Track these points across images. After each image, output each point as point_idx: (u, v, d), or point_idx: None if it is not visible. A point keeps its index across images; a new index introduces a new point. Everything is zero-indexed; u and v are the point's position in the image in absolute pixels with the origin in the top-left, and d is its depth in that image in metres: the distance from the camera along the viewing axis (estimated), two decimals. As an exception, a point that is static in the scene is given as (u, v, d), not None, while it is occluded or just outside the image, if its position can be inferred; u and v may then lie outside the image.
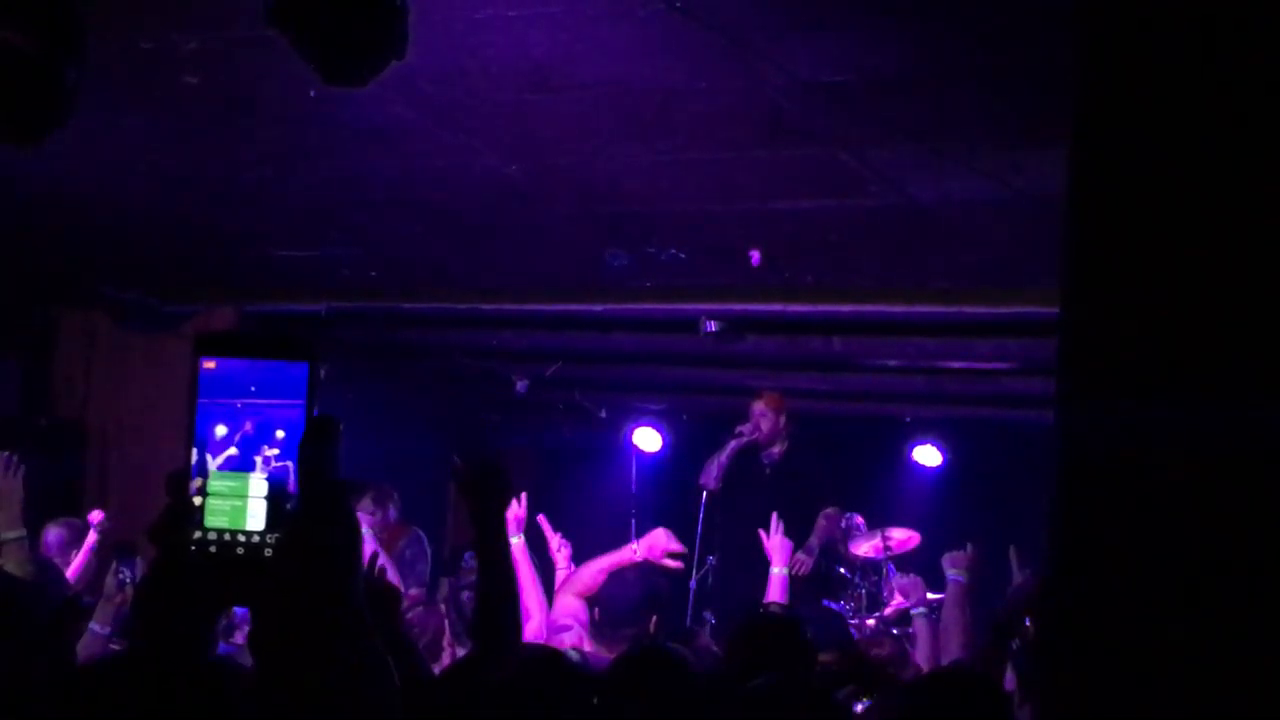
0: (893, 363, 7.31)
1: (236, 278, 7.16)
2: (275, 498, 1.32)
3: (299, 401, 1.35)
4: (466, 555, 7.69)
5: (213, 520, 1.33)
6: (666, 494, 8.52)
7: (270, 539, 1.31)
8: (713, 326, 6.72)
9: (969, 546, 5.01)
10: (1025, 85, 3.72)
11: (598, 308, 6.86)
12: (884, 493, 8.54)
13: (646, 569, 4.88)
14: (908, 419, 8.42)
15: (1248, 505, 0.97)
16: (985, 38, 3.50)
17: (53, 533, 5.70)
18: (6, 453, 4.55)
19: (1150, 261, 1.01)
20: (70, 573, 5.40)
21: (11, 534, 4.58)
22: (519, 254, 6.34)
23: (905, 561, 7.23)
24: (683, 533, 7.12)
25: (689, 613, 7.08)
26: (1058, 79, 1.83)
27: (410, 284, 7.06)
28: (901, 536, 7.45)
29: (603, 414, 9.09)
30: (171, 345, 7.38)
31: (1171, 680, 0.99)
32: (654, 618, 4.42)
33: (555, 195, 5.25)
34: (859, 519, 7.53)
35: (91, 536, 5.62)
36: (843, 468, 7.41)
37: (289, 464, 1.32)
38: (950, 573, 4.94)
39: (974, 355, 6.86)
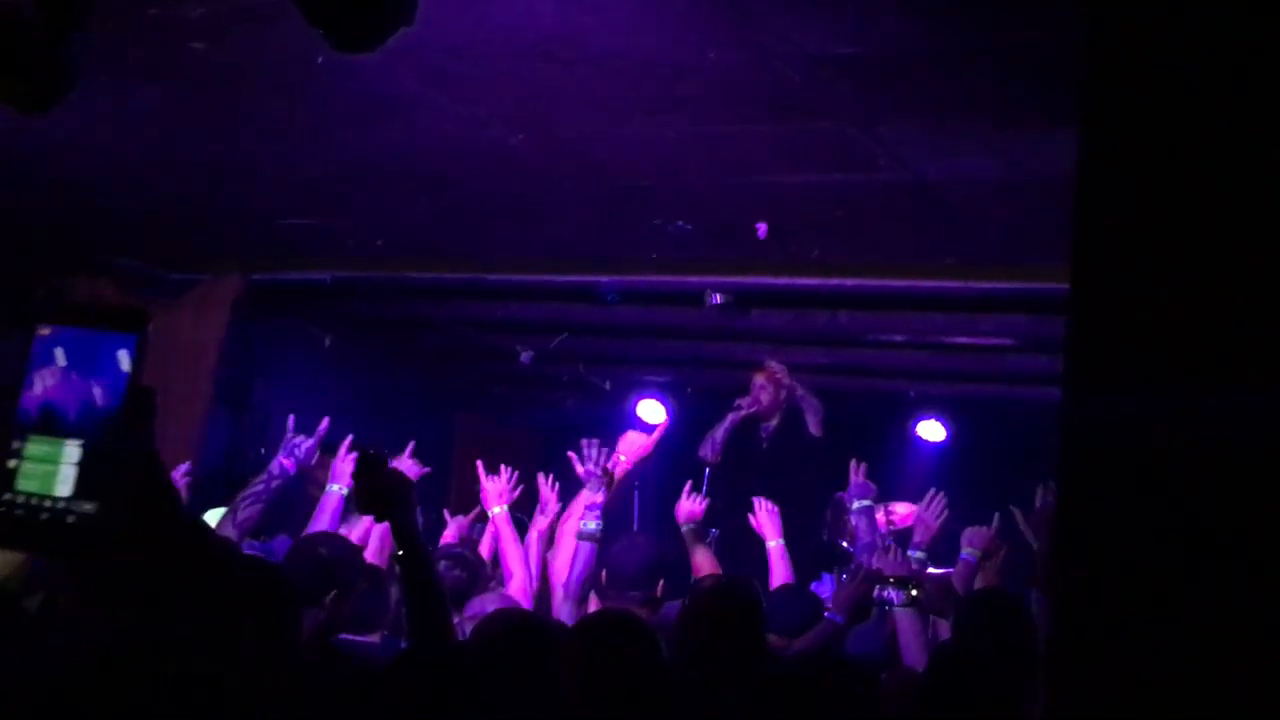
0: (898, 338, 7.30)
1: (242, 247, 7.15)
2: (89, 464, 1.33)
3: (126, 371, 1.36)
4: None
5: (24, 484, 1.34)
6: (670, 466, 8.53)
7: (75, 506, 1.32)
8: (718, 300, 6.71)
9: (995, 520, 4.97)
10: (1035, 63, 3.71)
11: (603, 280, 6.86)
12: (887, 468, 8.53)
13: (654, 536, 4.96)
14: (911, 394, 8.42)
15: (1257, 495, 0.97)
16: (996, 14, 3.49)
17: None
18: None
19: (1160, 247, 1.00)
20: None
21: None
22: (524, 226, 6.33)
23: (906, 536, 7.23)
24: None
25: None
26: (1068, 57, 1.82)
27: (415, 255, 7.05)
28: (904, 512, 7.44)
29: (607, 386, 9.09)
30: (177, 314, 7.38)
31: (1174, 669, 0.99)
32: (661, 582, 4.46)
33: (562, 167, 5.24)
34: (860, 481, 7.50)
35: None
36: (843, 442, 7.41)
37: (113, 430, 1.34)
38: (965, 551, 4.94)
39: (979, 331, 6.85)
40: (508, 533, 5.01)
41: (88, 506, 1.32)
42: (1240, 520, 0.98)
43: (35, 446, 1.34)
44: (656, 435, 5.39)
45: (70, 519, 1.32)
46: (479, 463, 5.43)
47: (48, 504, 1.34)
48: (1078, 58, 1.42)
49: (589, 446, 4.96)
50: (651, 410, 8.85)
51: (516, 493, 5.36)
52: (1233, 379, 1.00)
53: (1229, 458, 0.98)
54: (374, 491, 2.80)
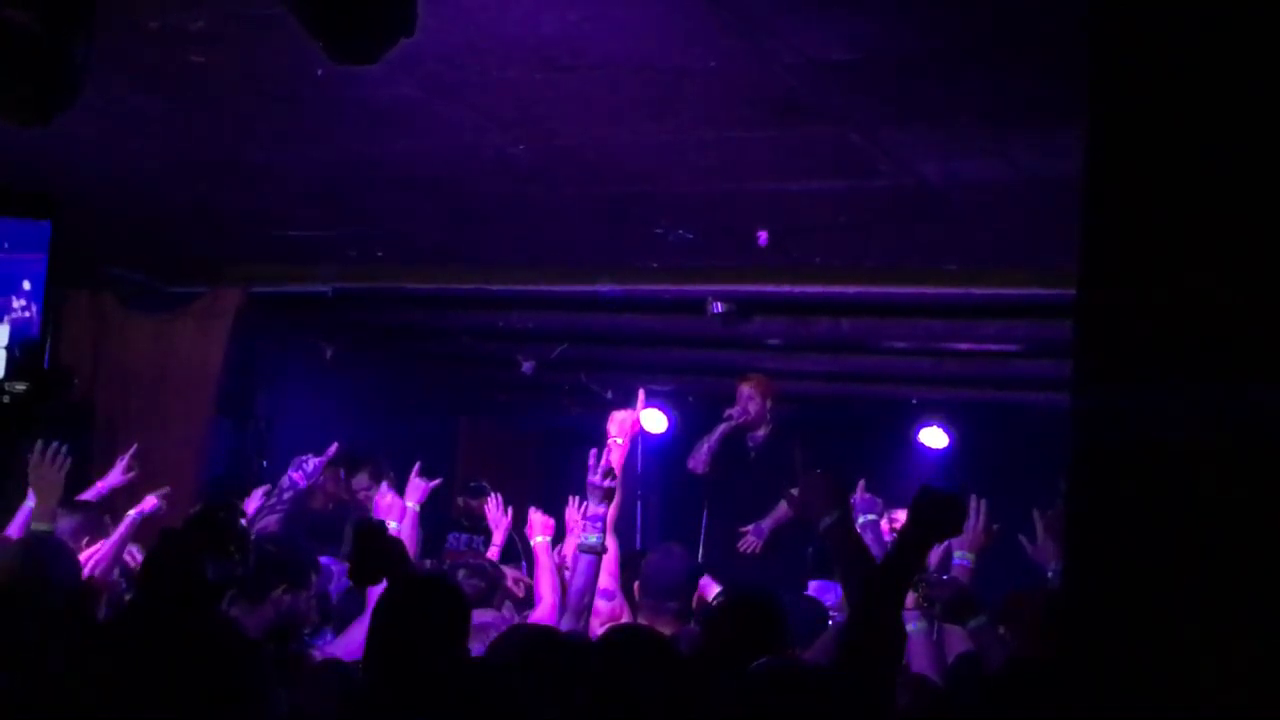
0: (900, 344, 7.30)
1: (243, 258, 7.16)
2: (17, 346, 1.35)
3: (42, 255, 1.39)
4: (450, 536, 7.73)
5: None
6: (672, 475, 8.52)
7: (9, 386, 1.35)
8: (720, 308, 6.71)
9: (994, 528, 4.88)
10: (1038, 65, 3.70)
11: (604, 289, 6.85)
12: (889, 475, 8.53)
13: (688, 548, 5.01)
14: (914, 401, 8.41)
15: (1261, 489, 0.96)
16: (998, 16, 3.48)
17: (63, 521, 5.45)
18: (56, 442, 4.44)
19: (1167, 246, 1.00)
20: (83, 558, 5.17)
21: (43, 526, 4.51)
22: (526, 234, 6.33)
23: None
24: (689, 515, 7.13)
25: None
26: (1071, 59, 1.82)
27: (417, 264, 7.05)
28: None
29: (609, 395, 9.09)
30: (179, 326, 7.39)
31: (1182, 661, 0.99)
32: (696, 594, 4.49)
33: (563, 175, 5.23)
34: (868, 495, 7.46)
35: (121, 528, 5.06)
36: (841, 448, 7.37)
37: (33, 311, 1.36)
38: (958, 555, 4.86)
39: (981, 337, 6.85)
40: (546, 561, 5.15)
41: (20, 386, 1.34)
42: (1251, 509, 0.97)
43: None
44: (640, 409, 5.44)
45: (5, 399, 1.35)
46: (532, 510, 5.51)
47: None
48: (1081, 59, 1.41)
49: (595, 457, 4.98)
50: (654, 419, 8.84)
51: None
52: (1239, 374, 1.00)
53: (1235, 450, 0.98)
54: (370, 562, 2.89)
